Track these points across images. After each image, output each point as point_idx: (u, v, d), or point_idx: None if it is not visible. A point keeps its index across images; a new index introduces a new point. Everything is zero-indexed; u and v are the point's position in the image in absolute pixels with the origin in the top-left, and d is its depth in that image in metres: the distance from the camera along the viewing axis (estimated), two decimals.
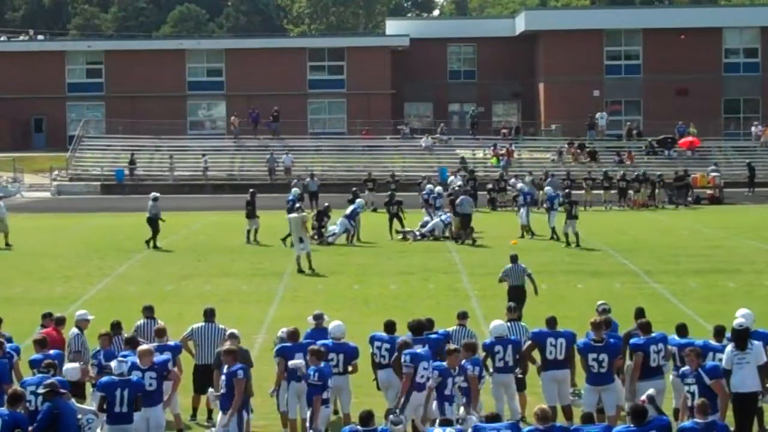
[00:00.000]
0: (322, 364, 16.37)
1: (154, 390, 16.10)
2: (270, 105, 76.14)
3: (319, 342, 17.28)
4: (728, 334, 17.15)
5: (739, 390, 16.31)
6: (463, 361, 16.33)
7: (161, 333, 18.03)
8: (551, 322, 17.84)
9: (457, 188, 47.64)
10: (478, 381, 16.38)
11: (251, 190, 43.90)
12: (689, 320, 20.29)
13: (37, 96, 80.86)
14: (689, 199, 57.48)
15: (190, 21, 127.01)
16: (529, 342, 17.89)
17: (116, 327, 18.61)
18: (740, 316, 17.19)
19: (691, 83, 78.68)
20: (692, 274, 33.22)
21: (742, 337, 16.69)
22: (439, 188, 47.49)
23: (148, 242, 40.25)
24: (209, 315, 18.91)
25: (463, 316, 18.82)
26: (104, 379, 15.60)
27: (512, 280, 25.54)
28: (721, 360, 16.44)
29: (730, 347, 16.69)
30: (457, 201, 42.03)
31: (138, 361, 16.21)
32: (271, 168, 68.20)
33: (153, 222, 40.55)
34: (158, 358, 16.56)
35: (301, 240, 34.65)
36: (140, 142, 74.23)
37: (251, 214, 41.76)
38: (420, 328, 17.93)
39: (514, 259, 26.07)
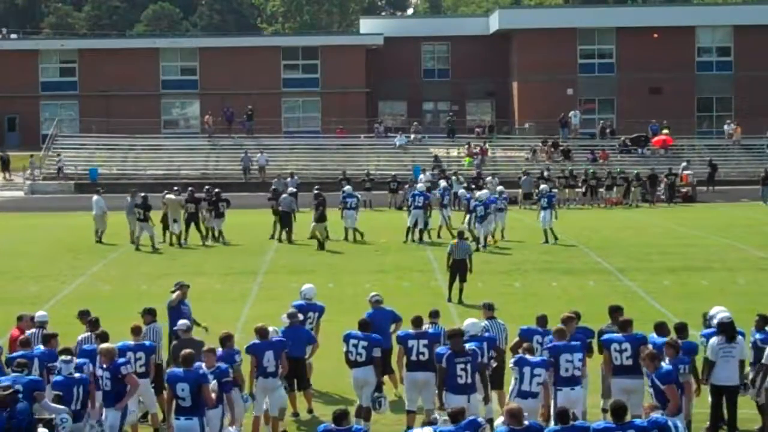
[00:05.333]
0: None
1: (110, 390, 15.81)
2: (244, 104, 76.06)
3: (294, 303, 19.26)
4: (705, 330, 17.28)
5: (725, 383, 16.41)
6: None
7: (137, 331, 17.90)
8: (542, 320, 17.76)
9: (430, 185, 47.43)
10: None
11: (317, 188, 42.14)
12: (663, 318, 20.35)
13: (10, 95, 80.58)
14: (661, 196, 57.73)
15: (163, 19, 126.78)
16: (516, 338, 17.69)
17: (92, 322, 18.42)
18: (720, 311, 17.32)
19: (665, 82, 78.90)
20: (665, 272, 33.33)
21: (732, 330, 16.84)
22: (443, 183, 47.00)
23: (279, 238, 40.78)
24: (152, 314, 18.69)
25: (434, 315, 18.71)
26: (59, 378, 15.39)
27: (456, 254, 28.75)
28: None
29: (715, 339, 16.81)
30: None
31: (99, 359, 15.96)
32: (246, 167, 68.08)
33: (285, 216, 40.64)
34: (119, 360, 16.11)
35: (174, 221, 39.67)
36: (114, 141, 74.00)
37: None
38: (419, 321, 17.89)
39: (460, 235, 29.82)
